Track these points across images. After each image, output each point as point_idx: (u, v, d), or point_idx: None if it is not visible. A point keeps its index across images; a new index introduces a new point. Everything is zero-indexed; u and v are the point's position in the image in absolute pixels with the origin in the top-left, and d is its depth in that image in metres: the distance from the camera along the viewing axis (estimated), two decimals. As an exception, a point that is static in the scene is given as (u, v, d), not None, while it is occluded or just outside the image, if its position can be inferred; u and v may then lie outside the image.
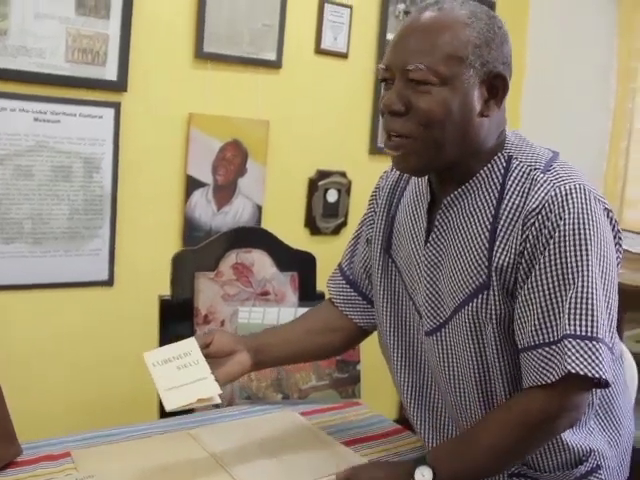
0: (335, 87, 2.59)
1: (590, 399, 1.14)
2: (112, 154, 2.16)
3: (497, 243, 1.07)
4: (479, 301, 1.09)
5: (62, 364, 2.19)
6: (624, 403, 1.22)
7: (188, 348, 1.16)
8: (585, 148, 2.57)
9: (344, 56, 2.58)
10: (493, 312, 1.08)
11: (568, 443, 1.12)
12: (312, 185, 2.60)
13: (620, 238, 1.11)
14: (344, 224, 2.70)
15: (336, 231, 2.69)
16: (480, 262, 1.09)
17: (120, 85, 2.14)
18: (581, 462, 1.15)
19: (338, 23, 2.52)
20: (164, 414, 1.62)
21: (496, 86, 1.07)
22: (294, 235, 2.32)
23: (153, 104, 2.22)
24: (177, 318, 1.63)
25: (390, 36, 2.65)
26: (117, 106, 2.15)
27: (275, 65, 2.42)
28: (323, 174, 2.61)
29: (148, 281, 2.25)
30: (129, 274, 2.25)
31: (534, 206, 1.04)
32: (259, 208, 2.47)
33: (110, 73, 2.12)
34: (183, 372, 1.12)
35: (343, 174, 2.66)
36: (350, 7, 2.55)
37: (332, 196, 2.64)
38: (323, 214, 2.63)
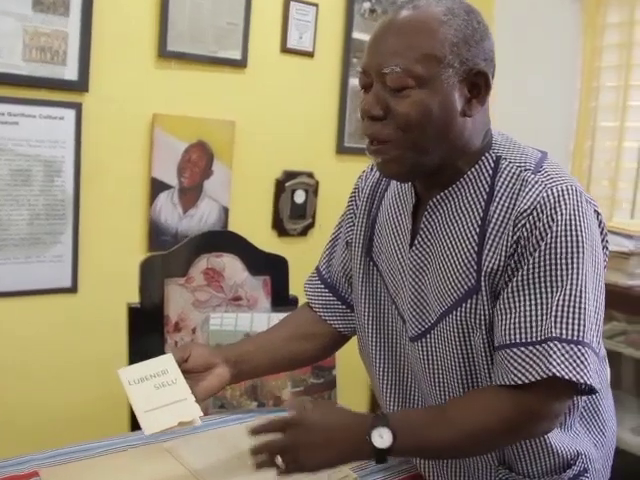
0: (301, 86, 2.56)
1: (576, 403, 1.13)
2: (73, 157, 2.08)
3: (487, 246, 1.04)
4: (468, 306, 1.06)
5: (25, 376, 2.11)
6: (608, 404, 1.22)
7: (165, 365, 1.11)
8: (550, 147, 2.59)
9: (310, 55, 2.54)
10: (482, 317, 1.06)
11: (556, 447, 1.11)
12: (279, 186, 2.56)
13: (607, 241, 1.10)
14: (312, 225, 2.67)
15: (304, 232, 2.66)
16: (469, 265, 1.06)
17: (81, 85, 2.07)
18: (569, 466, 1.13)
19: (304, 21, 2.49)
20: (135, 424, 1.57)
21: (478, 84, 1.04)
22: (262, 237, 2.29)
23: (116, 105, 2.15)
24: (147, 327, 1.58)
25: (356, 35, 2.63)
26: (78, 107, 2.07)
27: (240, 64, 2.37)
28: (290, 175, 2.58)
29: (113, 287, 2.19)
30: (93, 280, 2.18)
31: (525, 207, 1.01)
32: (226, 210, 2.42)
33: (70, 73, 2.04)
34: (161, 392, 1.07)
35: (310, 174, 2.63)
36: (316, 5, 2.51)
37: (299, 197, 2.60)
38: (290, 215, 2.60)
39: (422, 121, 1.01)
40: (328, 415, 1.04)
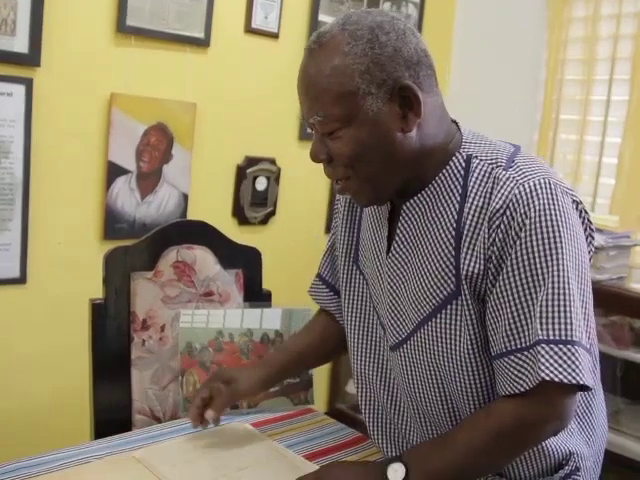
0: (265, 69, 2.45)
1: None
2: (23, 137, 1.92)
3: (464, 249, 1.01)
4: (449, 311, 1.04)
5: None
6: (599, 400, 1.20)
7: None
8: (514, 139, 2.57)
9: (275, 36, 2.44)
10: (466, 322, 1.03)
11: (549, 449, 1.08)
12: (240, 172, 2.45)
13: (592, 230, 1.07)
14: (273, 213, 2.58)
15: (264, 221, 2.56)
16: (447, 270, 1.03)
17: (32, 59, 1.90)
18: (561, 466, 1.11)
19: (269, 1, 2.38)
20: (97, 429, 1.46)
21: (407, 97, 0.99)
22: (222, 225, 2.15)
23: (70, 82, 2.00)
24: (111, 325, 1.46)
25: (322, 17, 2.55)
26: (29, 83, 1.91)
27: (203, 43, 2.25)
28: (252, 161, 2.47)
29: (65, 278, 2.06)
30: (43, 271, 2.03)
31: (497, 206, 0.98)
32: (185, 197, 2.30)
33: (20, 45, 1.88)
34: None
35: (272, 161, 2.53)
36: (282, -16, 2.41)
37: (261, 184, 2.50)
38: (251, 203, 2.50)
39: (361, 155, 1.01)
40: (345, 466, 1.08)
